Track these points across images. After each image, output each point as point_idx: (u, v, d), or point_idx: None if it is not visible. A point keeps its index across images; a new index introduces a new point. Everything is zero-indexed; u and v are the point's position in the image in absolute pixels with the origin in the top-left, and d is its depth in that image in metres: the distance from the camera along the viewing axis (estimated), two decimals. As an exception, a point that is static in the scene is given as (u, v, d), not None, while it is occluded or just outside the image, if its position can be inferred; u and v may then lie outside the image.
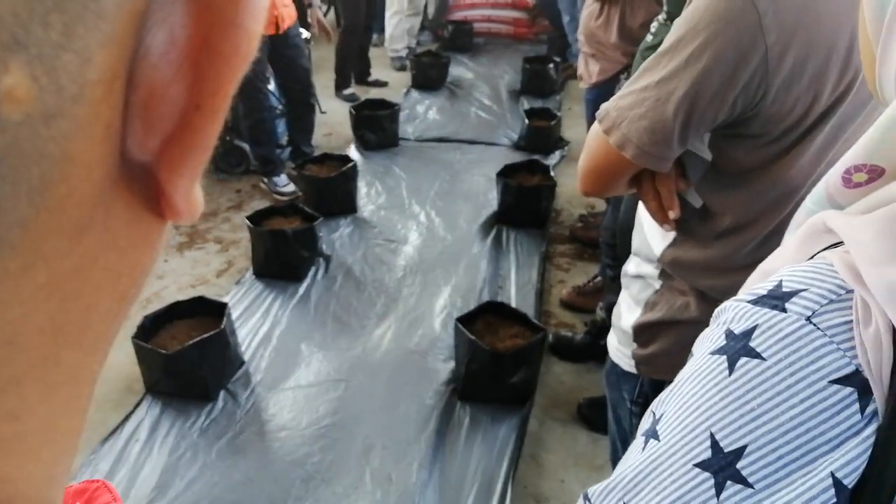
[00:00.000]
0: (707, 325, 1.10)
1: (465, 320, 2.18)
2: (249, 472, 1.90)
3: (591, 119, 2.73)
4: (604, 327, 2.36)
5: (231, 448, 1.98)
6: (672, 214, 0.98)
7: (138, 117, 0.16)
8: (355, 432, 2.04)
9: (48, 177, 0.14)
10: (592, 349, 2.39)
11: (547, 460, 2.02)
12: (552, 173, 3.30)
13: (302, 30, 3.54)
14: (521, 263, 2.91)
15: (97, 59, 0.14)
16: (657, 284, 1.10)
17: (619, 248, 2.09)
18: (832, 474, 0.41)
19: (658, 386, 1.10)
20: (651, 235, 1.10)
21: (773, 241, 0.96)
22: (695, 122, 0.89)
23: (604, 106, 0.96)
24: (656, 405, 0.50)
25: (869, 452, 0.41)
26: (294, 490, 1.85)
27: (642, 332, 1.11)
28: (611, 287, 2.32)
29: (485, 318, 2.26)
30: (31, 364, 0.16)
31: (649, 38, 1.76)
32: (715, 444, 0.44)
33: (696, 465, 0.44)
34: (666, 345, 1.08)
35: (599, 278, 2.65)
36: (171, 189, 0.18)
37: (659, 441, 0.47)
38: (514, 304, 2.51)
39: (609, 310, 2.32)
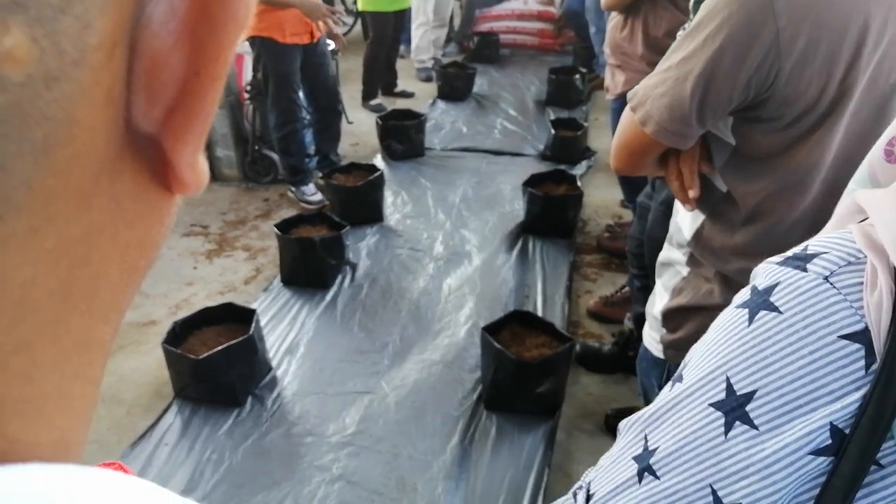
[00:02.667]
0: None
1: (492, 329, 2.17)
2: (275, 477, 1.91)
3: (616, 129, 2.71)
4: (631, 338, 2.34)
5: (257, 452, 1.99)
6: (692, 194, 1.02)
7: (142, 85, 0.17)
8: (380, 440, 2.04)
9: (52, 138, 0.15)
10: (620, 360, 2.36)
11: (575, 471, 2.00)
12: (579, 183, 3.29)
13: (328, 40, 3.58)
14: (547, 273, 2.90)
15: (97, 25, 0.15)
16: (685, 271, 1.14)
17: (646, 258, 2.07)
18: (831, 423, 0.44)
19: None
20: (682, 220, 1.14)
21: (800, 227, 1.00)
22: (711, 101, 0.92)
23: (636, 87, 1.00)
24: (688, 354, 0.54)
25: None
26: (319, 495, 1.85)
27: (670, 318, 1.15)
28: (638, 297, 2.29)
29: (511, 328, 2.24)
30: (42, 327, 0.16)
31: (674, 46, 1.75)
32: (730, 387, 0.47)
33: (711, 405, 0.48)
34: (691, 330, 1.11)
35: (627, 289, 2.62)
36: (177, 158, 0.18)
37: (682, 383, 0.51)
38: (540, 314, 2.49)
39: (637, 320, 2.30)
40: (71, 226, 0.16)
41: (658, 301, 1.20)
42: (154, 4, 0.16)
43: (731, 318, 0.50)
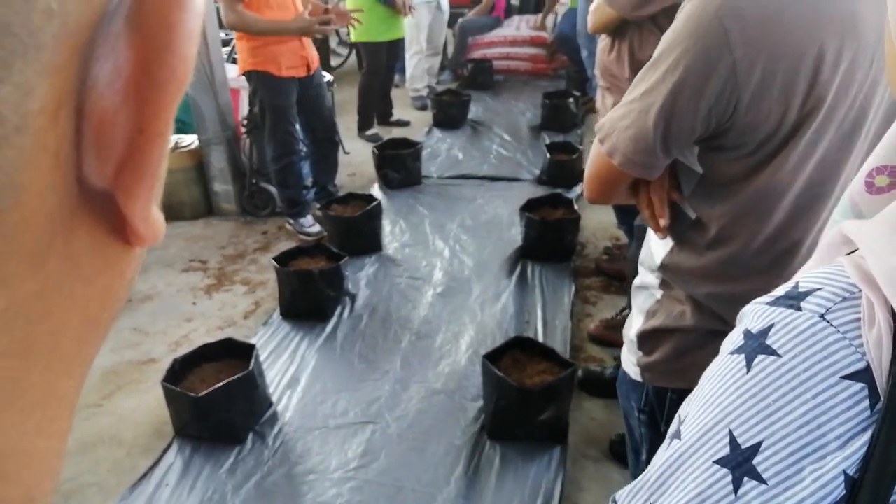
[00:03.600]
0: (702, 333, 1.08)
1: (493, 357, 2.16)
2: (278, 516, 1.88)
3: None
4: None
5: (260, 491, 1.96)
6: (662, 222, 1.03)
7: (91, 145, 0.17)
8: (384, 474, 2.02)
9: None
10: (623, 384, 2.34)
11: (582, 499, 1.97)
12: (576, 206, 3.29)
13: (325, 73, 3.62)
14: (547, 298, 2.89)
15: (38, 91, 0.15)
16: (658, 294, 1.15)
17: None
18: (844, 472, 0.41)
19: (661, 394, 1.16)
20: (654, 245, 1.15)
21: (766, 253, 1.01)
22: (674, 133, 0.94)
23: (603, 118, 1.03)
24: (682, 408, 0.51)
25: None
26: (323, 534, 1.83)
27: (646, 341, 1.16)
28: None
29: (512, 355, 2.23)
30: (0, 386, 0.16)
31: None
32: (733, 441, 0.44)
33: (716, 462, 0.45)
34: (666, 352, 1.12)
35: (627, 311, 2.61)
36: (130, 213, 0.18)
37: (681, 440, 0.48)
38: (541, 340, 2.48)
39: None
40: (25, 285, 0.16)
41: (634, 324, 1.21)
42: (100, 66, 0.16)
43: (726, 366, 0.47)
